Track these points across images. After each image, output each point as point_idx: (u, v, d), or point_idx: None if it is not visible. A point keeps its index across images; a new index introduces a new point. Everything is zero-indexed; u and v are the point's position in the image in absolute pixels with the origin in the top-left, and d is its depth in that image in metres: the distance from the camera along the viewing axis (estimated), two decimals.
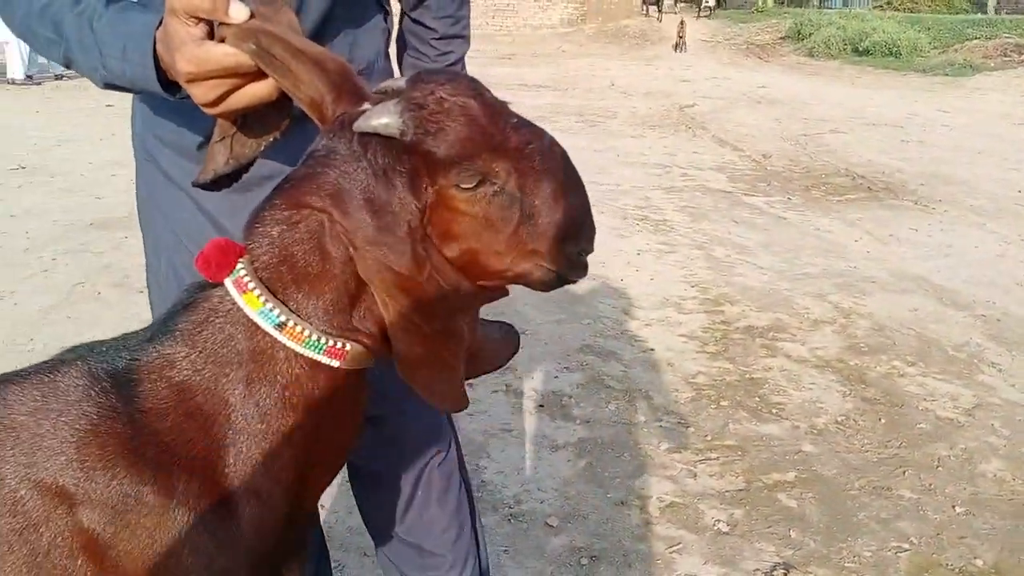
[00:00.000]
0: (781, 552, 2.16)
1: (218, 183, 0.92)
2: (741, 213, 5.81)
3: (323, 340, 0.79)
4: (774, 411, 2.93)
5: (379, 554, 1.51)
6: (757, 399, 3.02)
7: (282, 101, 0.86)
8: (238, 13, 0.79)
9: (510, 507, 2.31)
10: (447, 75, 0.81)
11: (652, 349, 3.44)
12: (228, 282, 0.80)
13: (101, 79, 0.96)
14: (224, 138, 0.90)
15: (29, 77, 11.98)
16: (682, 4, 31.00)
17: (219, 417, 0.80)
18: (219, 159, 0.91)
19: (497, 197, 0.79)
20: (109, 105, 9.85)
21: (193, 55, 0.81)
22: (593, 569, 2.07)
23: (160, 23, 0.86)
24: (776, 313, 3.89)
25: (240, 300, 0.79)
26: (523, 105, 9.72)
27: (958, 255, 4.86)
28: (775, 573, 2.07)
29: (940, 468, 2.59)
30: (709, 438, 2.73)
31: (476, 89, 0.80)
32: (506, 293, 0.88)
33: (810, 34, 21.56)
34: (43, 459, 0.77)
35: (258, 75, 0.82)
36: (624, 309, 3.89)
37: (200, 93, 0.83)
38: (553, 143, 0.83)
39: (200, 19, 0.81)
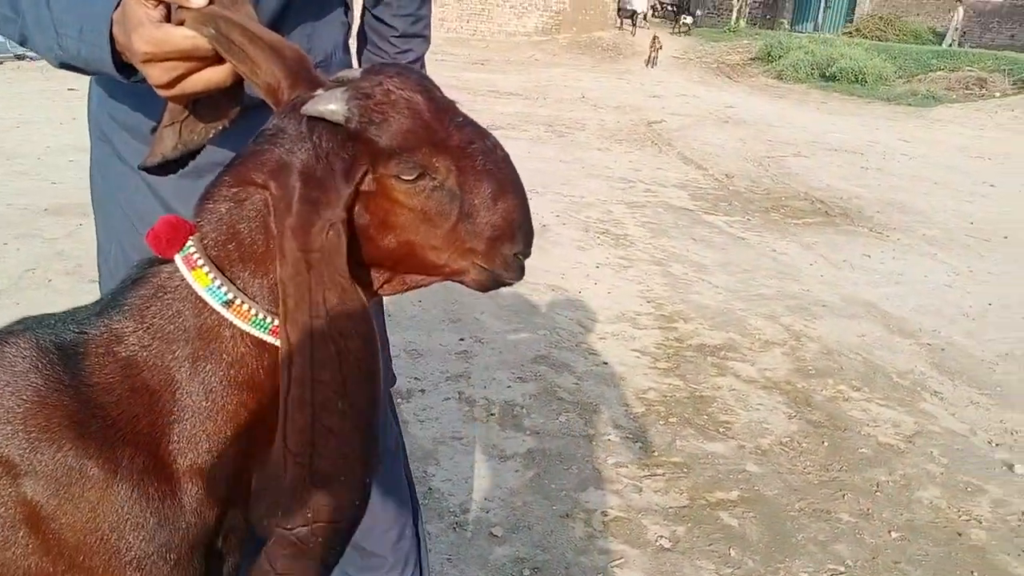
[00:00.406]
0: (720, 570, 2.20)
1: (165, 167, 0.93)
2: (701, 231, 5.89)
3: (268, 319, 0.80)
4: (721, 430, 2.98)
5: None
6: (705, 417, 3.06)
7: (234, 88, 0.87)
8: (199, 2, 0.80)
9: (455, 515, 2.32)
10: (398, 69, 0.82)
11: (606, 363, 3.48)
12: (178, 259, 0.80)
13: (56, 58, 0.95)
14: (174, 123, 0.90)
15: None
16: (656, 19, 31.37)
17: (165, 393, 0.80)
18: (167, 143, 0.91)
19: (436, 192, 0.80)
20: (72, 89, 9.66)
21: (151, 36, 0.81)
22: None
23: (118, 4, 0.86)
24: (728, 333, 3.95)
25: (189, 277, 0.79)
26: (493, 111, 9.83)
27: (908, 283, 4.98)
28: None
29: (878, 493, 2.65)
30: (656, 454, 2.77)
31: (424, 85, 0.81)
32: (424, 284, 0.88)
33: (780, 56, 21.90)
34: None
35: (214, 60, 0.83)
36: (580, 322, 3.92)
37: (156, 75, 0.83)
38: (496, 145, 0.84)
39: (159, 1, 0.81)
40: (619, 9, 27.22)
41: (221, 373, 0.81)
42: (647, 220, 6.07)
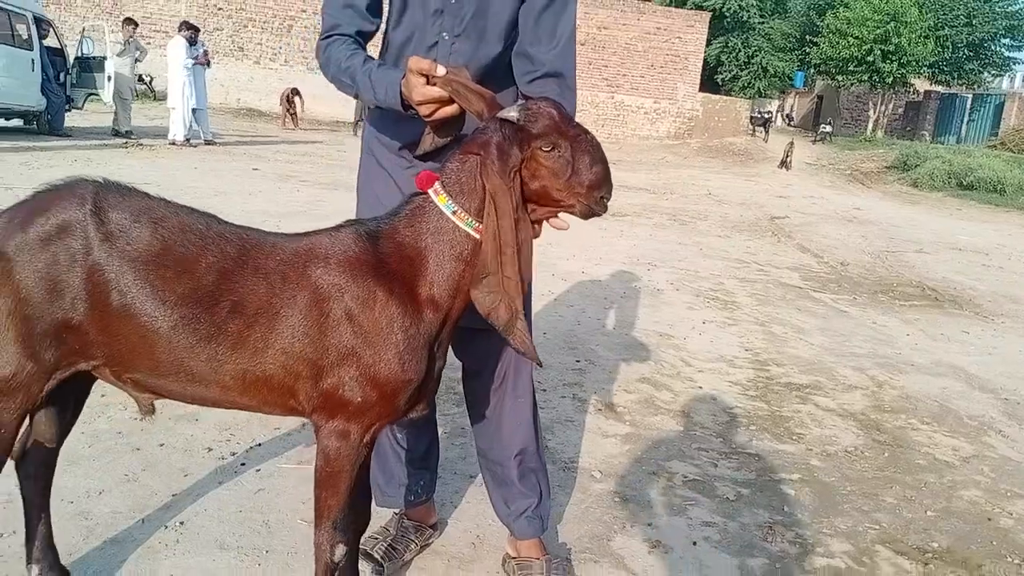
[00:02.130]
0: (774, 516, 2.75)
1: (425, 157, 1.74)
2: (806, 304, 6.39)
3: (472, 221, 1.57)
4: (793, 437, 3.51)
5: (476, 442, 2.22)
6: (782, 429, 3.61)
7: (460, 117, 1.68)
8: (441, 72, 1.61)
9: (565, 463, 2.98)
10: (544, 98, 1.61)
11: (700, 387, 4.07)
12: (430, 191, 1.59)
13: (372, 102, 1.80)
14: (430, 133, 1.71)
15: (187, 140, 13.62)
16: (791, 128, 31.79)
17: (418, 260, 1.58)
18: (426, 144, 1.72)
19: (560, 158, 1.56)
20: (255, 169, 11.24)
21: (420, 92, 1.63)
22: (621, 508, 2.70)
23: (403, 76, 1.68)
24: (816, 376, 4.46)
25: (436, 199, 1.58)
26: (620, 202, 10.70)
27: (1000, 355, 5.31)
28: (764, 528, 2.66)
29: (924, 488, 3.12)
30: (733, 446, 3.34)
31: (556, 105, 1.59)
32: (557, 213, 1.63)
33: (916, 165, 21.86)
34: (332, 270, 1.56)
35: (450, 102, 1.63)
36: (683, 359, 4.54)
37: (422, 111, 1.65)
38: (594, 138, 1.60)
39: (424, 75, 1.62)
40: (751, 117, 27.95)
41: (447, 250, 1.59)
42: (756, 292, 6.63)
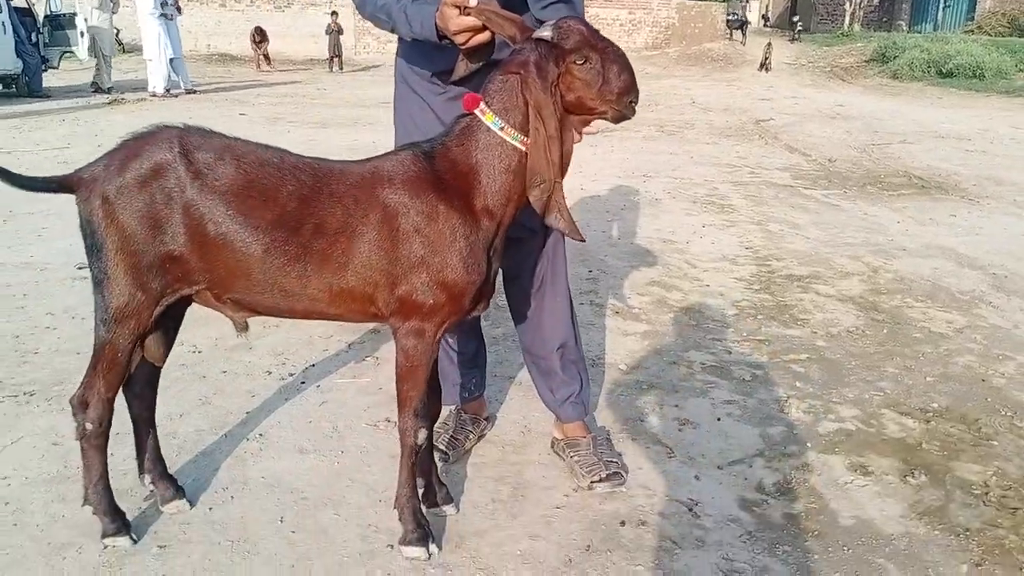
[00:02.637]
0: (787, 392, 3.02)
1: (459, 82, 1.91)
2: (799, 201, 6.60)
3: (518, 135, 1.76)
4: (798, 322, 3.77)
5: (521, 339, 2.45)
6: (787, 316, 3.86)
7: (491, 43, 1.84)
8: (473, 2, 1.77)
9: (591, 360, 3.23)
10: (572, 17, 1.78)
11: (707, 285, 4.31)
12: (477, 111, 1.77)
13: (409, 35, 1.97)
14: (464, 60, 1.88)
15: (167, 90, 13.52)
16: (768, 29, 31.49)
17: (471, 173, 1.78)
18: (461, 70, 1.90)
19: (592, 69, 1.74)
20: (242, 114, 11.25)
21: (456, 23, 1.80)
22: (648, 394, 2.96)
23: (438, 9, 1.84)
24: (814, 267, 4.70)
25: (483, 117, 1.76)
26: None
27: (987, 234, 5.56)
28: (780, 401, 2.93)
29: (922, 358, 3.39)
30: (744, 334, 3.60)
31: (584, 22, 1.76)
32: (591, 120, 1.82)
33: (894, 57, 21.81)
34: (397, 189, 1.76)
35: (483, 29, 1.80)
36: (687, 261, 4.77)
37: (458, 39, 1.82)
38: (619, 48, 1.78)
39: (457, 6, 1.78)
40: (728, 20, 27.66)
41: (497, 163, 1.78)
42: (749, 194, 6.83)
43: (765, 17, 40.42)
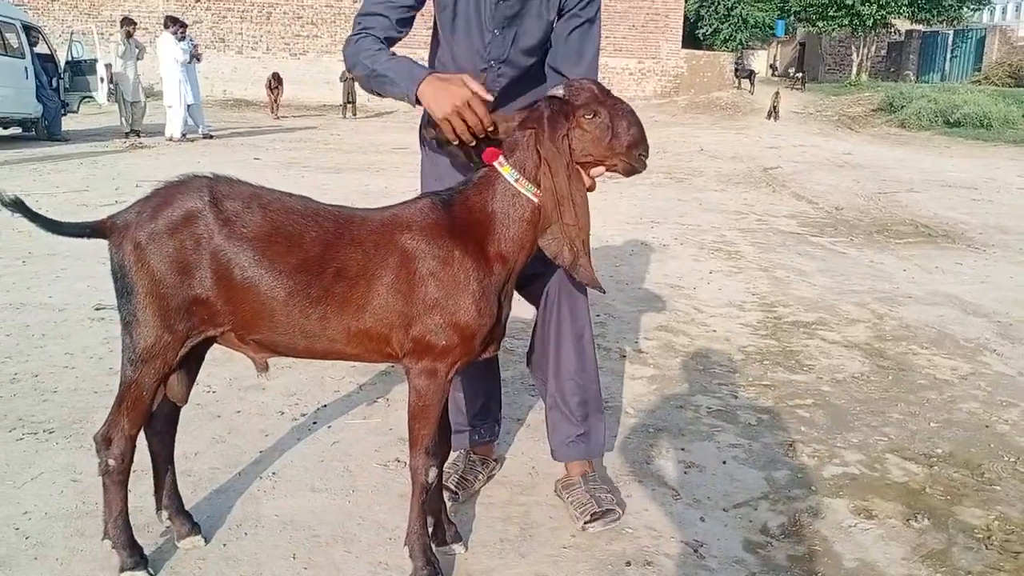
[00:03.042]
0: (792, 436, 3.05)
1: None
2: (805, 248, 6.68)
3: (531, 187, 1.85)
4: (804, 368, 3.81)
5: (536, 374, 2.50)
6: (793, 362, 3.90)
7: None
8: (489, 98, 1.91)
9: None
10: (583, 78, 1.88)
11: (714, 331, 4.37)
12: (495, 163, 1.86)
13: (390, 93, 2.05)
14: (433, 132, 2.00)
15: (184, 136, 13.80)
16: (776, 79, 31.89)
17: (487, 221, 1.87)
18: (429, 134, 2.00)
19: (601, 123, 1.83)
20: (256, 159, 11.45)
21: (447, 120, 1.91)
22: (655, 438, 3.00)
23: (424, 78, 1.94)
24: (820, 313, 4.75)
25: (500, 169, 1.85)
26: None
27: (992, 282, 5.62)
28: (785, 446, 2.97)
29: (927, 404, 3.42)
30: (750, 379, 3.64)
31: (595, 82, 1.86)
32: (603, 171, 1.91)
33: (902, 106, 22.06)
34: (415, 235, 1.84)
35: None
36: (695, 307, 4.83)
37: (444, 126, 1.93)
38: (628, 105, 1.88)
39: (463, 108, 1.90)
40: (736, 69, 28.06)
41: (512, 212, 1.87)
42: (757, 241, 6.91)
43: (773, 67, 41.01)
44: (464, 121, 1.91)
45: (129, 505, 2.03)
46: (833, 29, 31.15)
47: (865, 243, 6.98)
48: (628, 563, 2.20)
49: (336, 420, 3.01)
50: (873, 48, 32.11)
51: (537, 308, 2.42)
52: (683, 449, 2.91)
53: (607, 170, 1.92)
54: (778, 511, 2.52)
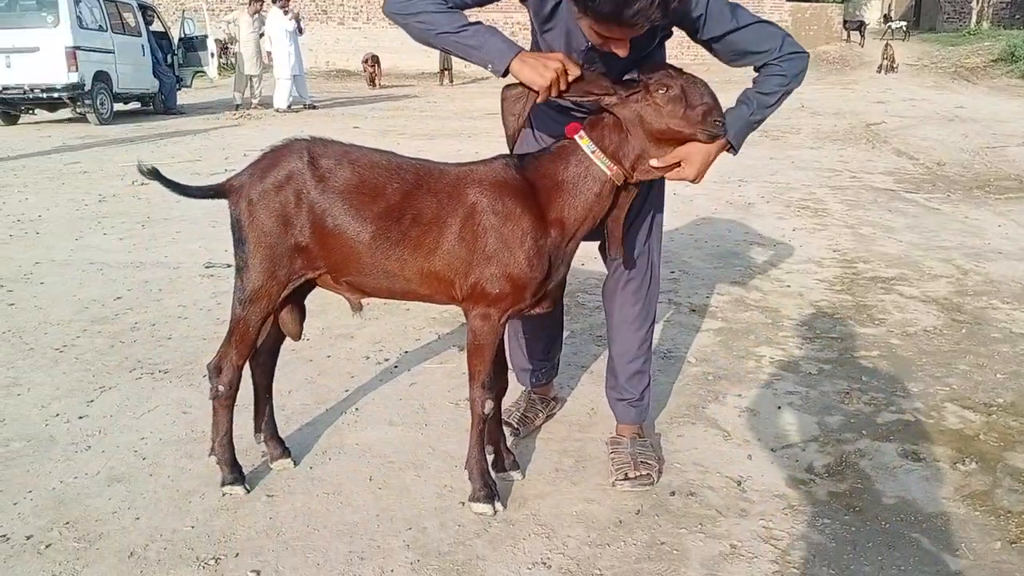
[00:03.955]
0: (851, 385, 3.13)
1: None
2: (898, 205, 6.55)
3: (607, 161, 2.02)
4: (875, 322, 3.84)
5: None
6: (864, 316, 3.94)
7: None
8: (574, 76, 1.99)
9: (663, 353, 3.43)
10: (656, 63, 2.03)
11: (789, 286, 4.42)
12: (576, 136, 2.04)
13: (469, 57, 2.11)
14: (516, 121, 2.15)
15: (289, 107, 14.39)
16: (895, 26, 30.28)
17: (556, 188, 2.06)
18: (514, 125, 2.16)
19: (674, 97, 1.96)
20: (356, 127, 11.87)
21: (544, 86, 1.96)
22: (714, 384, 3.14)
23: (519, 56, 1.99)
24: (902, 269, 4.72)
25: (580, 141, 2.03)
26: None
27: None
28: (842, 394, 3.05)
29: (997, 356, 3.42)
30: (817, 332, 3.71)
31: (666, 63, 2.01)
32: (680, 143, 2.03)
33: None
34: (484, 191, 2.04)
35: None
36: (771, 262, 4.87)
37: (540, 89, 2.01)
38: (699, 78, 1.99)
39: (558, 73, 1.96)
40: (845, 22, 26.89)
41: (582, 183, 2.06)
42: (847, 198, 6.81)
43: (887, 16, 39.01)
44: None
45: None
46: None
47: (962, 199, 6.77)
48: (672, 493, 2.38)
49: (415, 365, 3.28)
50: None
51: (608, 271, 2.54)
52: (740, 395, 3.04)
53: (689, 140, 1.99)
54: (826, 452, 2.63)
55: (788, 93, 2.12)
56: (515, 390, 2.77)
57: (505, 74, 2.01)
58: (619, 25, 1.83)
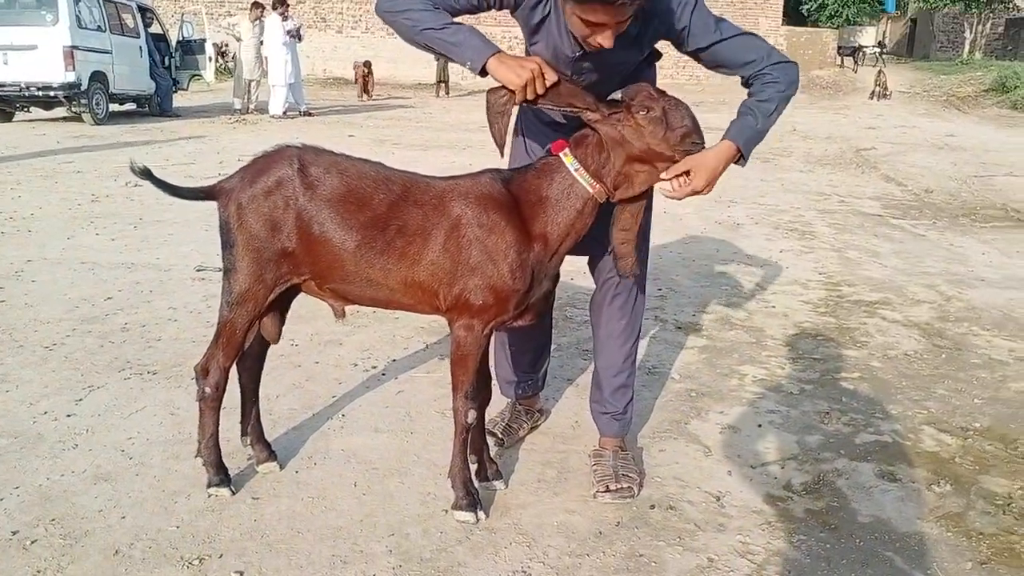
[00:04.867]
0: (831, 406, 3.18)
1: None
2: (884, 230, 6.63)
3: (589, 179, 2.07)
4: (857, 345, 3.90)
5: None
6: (847, 338, 4.00)
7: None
8: (552, 80, 2.04)
9: (649, 370, 3.48)
10: (638, 84, 2.07)
11: (774, 306, 4.48)
12: (560, 154, 2.10)
13: (452, 58, 2.14)
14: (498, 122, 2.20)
15: (284, 113, 14.43)
16: (886, 55, 30.62)
17: (540, 203, 2.11)
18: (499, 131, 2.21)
19: (654, 118, 2.01)
20: (351, 136, 11.92)
21: (519, 88, 2.04)
22: (696, 401, 3.18)
23: (496, 55, 2.05)
24: (885, 294, 4.79)
25: (564, 158, 2.09)
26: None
27: None
28: (822, 414, 3.10)
29: (975, 382, 3.48)
30: (800, 352, 3.76)
31: (650, 85, 2.06)
32: (659, 168, 2.08)
33: (1015, 87, 20.98)
34: (469, 204, 2.09)
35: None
36: (758, 282, 4.94)
37: (516, 90, 2.07)
38: (680, 100, 2.05)
39: (534, 76, 2.02)
40: (839, 47, 27.18)
41: (565, 199, 2.11)
42: (834, 222, 6.90)
43: (881, 44, 39.44)
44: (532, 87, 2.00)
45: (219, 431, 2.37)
46: (946, 4, 29.72)
47: (948, 226, 6.87)
48: (652, 506, 2.42)
49: (403, 373, 3.31)
50: (989, 25, 30.51)
51: (596, 285, 2.59)
52: (722, 412, 3.09)
53: (665, 161, 2.04)
54: (804, 471, 2.68)
55: (787, 100, 2.15)
56: (500, 401, 2.81)
57: (483, 73, 2.05)
58: (602, 4, 1.88)
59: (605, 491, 2.43)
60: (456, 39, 2.07)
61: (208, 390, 2.28)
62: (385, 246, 2.09)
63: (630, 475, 2.49)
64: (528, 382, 2.84)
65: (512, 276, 2.08)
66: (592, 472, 2.54)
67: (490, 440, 2.62)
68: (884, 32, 40.66)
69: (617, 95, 2.05)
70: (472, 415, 2.25)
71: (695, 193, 2.03)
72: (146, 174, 2.15)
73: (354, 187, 2.11)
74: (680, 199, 2.07)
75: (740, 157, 2.13)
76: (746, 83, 2.19)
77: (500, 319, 2.17)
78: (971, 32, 29.74)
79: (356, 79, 20.38)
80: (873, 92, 21.96)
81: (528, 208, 2.11)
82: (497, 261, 2.07)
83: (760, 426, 2.99)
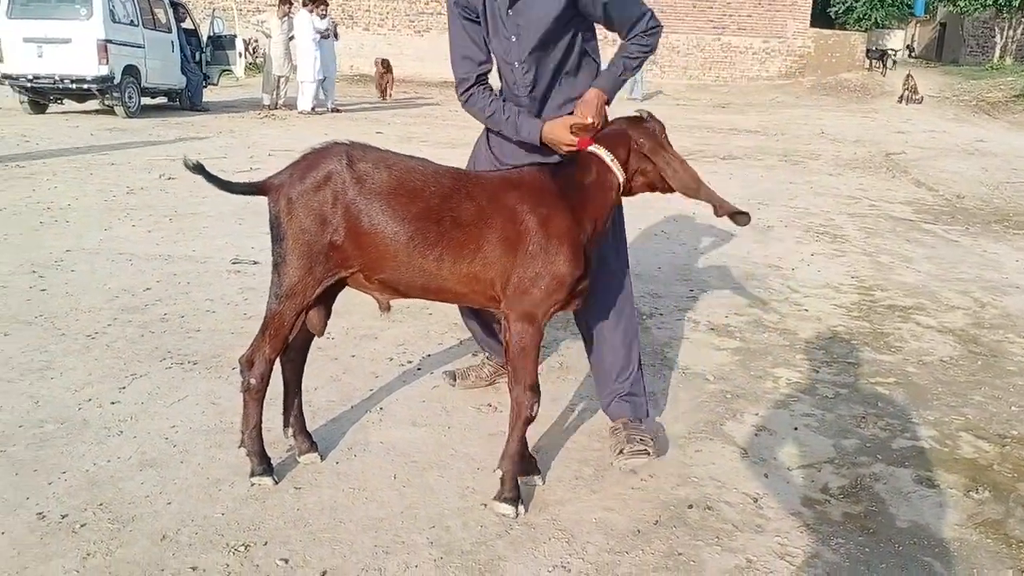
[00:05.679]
0: (868, 410, 3.17)
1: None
2: (916, 235, 6.58)
3: (621, 171, 2.13)
4: (892, 350, 3.88)
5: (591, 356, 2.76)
6: (881, 343, 3.98)
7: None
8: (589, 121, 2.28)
9: (679, 368, 3.48)
10: (636, 118, 2.22)
11: (806, 310, 4.46)
12: (592, 148, 2.18)
13: (516, 138, 2.46)
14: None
15: (313, 109, 14.52)
16: (912, 60, 30.31)
17: (584, 190, 2.17)
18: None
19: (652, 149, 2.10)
20: (379, 132, 11.97)
21: (567, 146, 2.28)
22: (731, 403, 3.18)
23: (545, 124, 2.36)
24: (919, 299, 4.76)
25: (599, 152, 2.15)
26: (730, 145, 11.01)
27: None
28: (858, 418, 3.10)
29: (1012, 389, 3.46)
30: (835, 356, 3.75)
31: (648, 123, 2.17)
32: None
33: None
34: (524, 194, 2.14)
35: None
36: (790, 286, 4.92)
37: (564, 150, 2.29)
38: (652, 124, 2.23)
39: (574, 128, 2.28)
40: (868, 51, 26.94)
41: (604, 188, 2.18)
42: (865, 226, 6.85)
43: (910, 48, 39.06)
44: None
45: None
46: (977, 9, 29.36)
47: (981, 232, 6.80)
48: (690, 506, 2.43)
49: (437, 368, 3.34)
50: (1020, 30, 30.11)
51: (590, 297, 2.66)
52: (757, 415, 3.09)
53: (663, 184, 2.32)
54: (841, 474, 2.68)
55: (648, 55, 2.48)
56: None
57: (541, 143, 2.41)
58: None
59: (619, 454, 2.52)
60: (514, 125, 2.49)
61: (253, 381, 2.31)
62: (439, 237, 2.13)
63: (644, 438, 2.57)
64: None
65: (570, 262, 2.16)
66: (609, 448, 2.62)
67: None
68: (913, 36, 40.27)
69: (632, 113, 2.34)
70: (537, 408, 2.28)
71: (585, 128, 2.29)
72: (199, 169, 2.19)
73: (404, 180, 2.16)
74: (576, 133, 2.31)
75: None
76: (624, 38, 2.49)
77: (558, 307, 2.23)
78: (1002, 37, 29.34)
79: (376, 80, 20.18)
80: (901, 96, 21.76)
81: (575, 195, 2.22)
82: (556, 248, 2.14)
83: (796, 429, 2.99)
